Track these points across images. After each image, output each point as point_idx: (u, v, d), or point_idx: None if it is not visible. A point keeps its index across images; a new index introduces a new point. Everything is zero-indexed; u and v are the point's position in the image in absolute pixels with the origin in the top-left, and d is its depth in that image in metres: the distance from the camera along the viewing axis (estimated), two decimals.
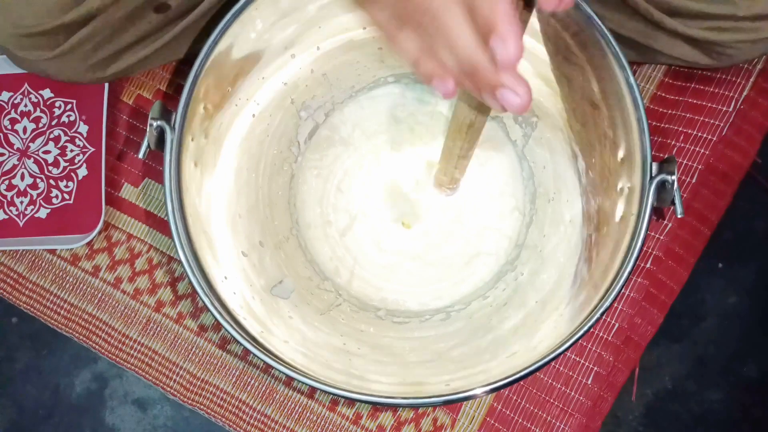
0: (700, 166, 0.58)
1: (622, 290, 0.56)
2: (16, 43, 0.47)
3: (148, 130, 0.36)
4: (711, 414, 0.64)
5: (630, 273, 0.36)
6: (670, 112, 0.60)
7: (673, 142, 0.59)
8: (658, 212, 0.57)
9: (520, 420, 0.58)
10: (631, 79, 0.37)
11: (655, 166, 0.36)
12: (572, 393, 0.57)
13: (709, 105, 0.58)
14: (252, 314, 0.40)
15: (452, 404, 0.58)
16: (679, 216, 0.34)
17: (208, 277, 0.38)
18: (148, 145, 0.36)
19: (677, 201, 0.34)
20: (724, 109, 0.58)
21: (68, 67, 0.49)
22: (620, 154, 0.40)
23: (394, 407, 0.58)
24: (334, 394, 0.35)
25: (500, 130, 0.53)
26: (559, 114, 0.45)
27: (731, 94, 0.58)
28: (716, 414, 0.63)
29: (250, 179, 0.47)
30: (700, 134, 0.58)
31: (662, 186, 0.36)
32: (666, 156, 0.36)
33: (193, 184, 0.40)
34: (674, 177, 0.35)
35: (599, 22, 0.38)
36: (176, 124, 0.37)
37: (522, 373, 0.35)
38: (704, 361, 0.64)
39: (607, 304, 0.36)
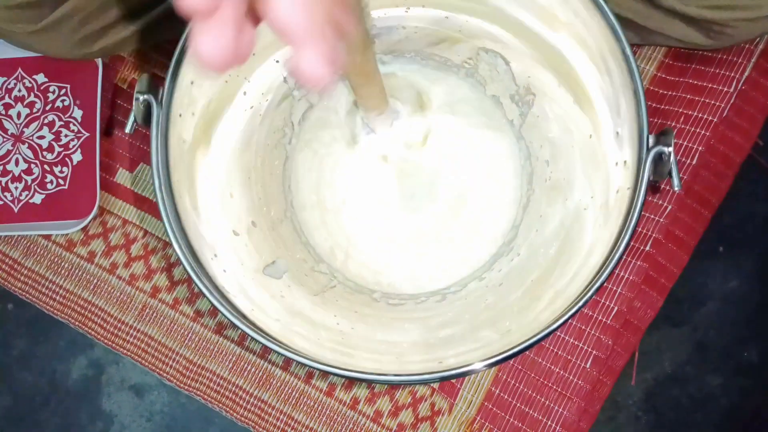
0: (700, 148, 0.57)
1: (621, 273, 0.56)
2: (0, 15, 0.46)
3: (134, 104, 0.35)
4: (711, 399, 0.63)
5: (626, 247, 0.35)
6: (670, 93, 0.59)
7: (673, 124, 0.58)
8: (656, 189, 0.56)
9: (518, 404, 0.57)
10: (627, 50, 0.36)
11: (651, 138, 0.36)
12: (571, 377, 0.57)
13: (710, 86, 0.58)
14: (243, 292, 0.40)
15: (448, 381, 0.57)
16: (675, 189, 0.33)
17: (196, 254, 0.37)
18: (135, 119, 0.35)
19: (674, 173, 0.34)
20: (725, 89, 0.57)
21: (54, 41, 0.49)
22: (617, 127, 0.39)
23: (388, 384, 0.57)
24: (325, 371, 0.35)
25: (497, 110, 0.53)
26: (556, 90, 0.45)
27: (732, 75, 0.57)
28: (716, 399, 0.63)
29: (243, 159, 0.46)
30: (700, 115, 0.57)
31: (659, 158, 0.35)
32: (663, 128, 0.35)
33: (182, 161, 0.39)
34: (671, 149, 0.34)
35: None
36: (163, 100, 0.37)
37: (516, 349, 0.35)
38: (704, 345, 0.64)
39: (600, 281, 0.36)
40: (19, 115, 0.63)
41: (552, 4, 0.40)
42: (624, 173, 0.38)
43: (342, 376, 0.34)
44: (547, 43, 0.43)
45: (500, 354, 0.35)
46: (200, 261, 0.37)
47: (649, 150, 0.35)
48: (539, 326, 0.36)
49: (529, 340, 0.35)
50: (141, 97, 0.35)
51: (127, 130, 0.35)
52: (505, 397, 0.58)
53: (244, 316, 0.37)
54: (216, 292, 0.36)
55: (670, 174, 0.34)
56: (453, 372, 0.35)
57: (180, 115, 0.38)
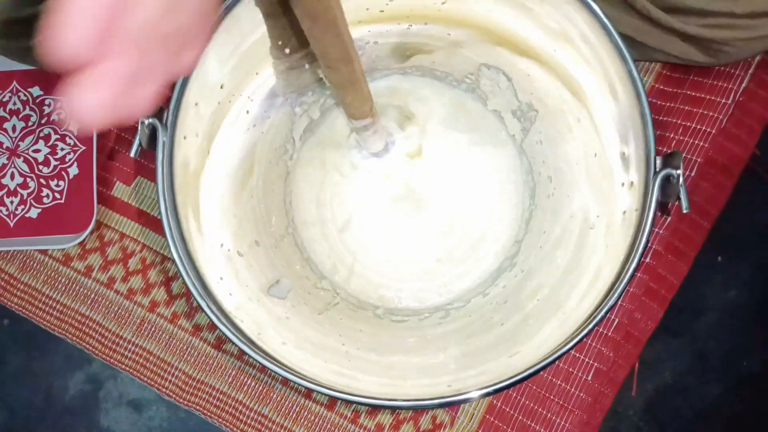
0: (699, 159, 0.57)
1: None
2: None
3: (139, 128, 0.35)
4: (712, 408, 0.63)
5: (635, 269, 0.35)
6: (668, 104, 0.59)
7: (672, 135, 0.58)
8: (664, 209, 0.56)
9: (520, 417, 0.57)
10: (634, 72, 0.36)
11: (659, 160, 0.36)
12: (572, 389, 0.57)
13: (708, 97, 0.58)
14: (249, 316, 0.40)
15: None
16: (684, 211, 0.33)
17: (203, 279, 0.37)
18: (140, 143, 0.35)
19: (683, 196, 0.34)
20: (723, 101, 0.57)
21: None
22: (623, 148, 0.39)
23: (393, 409, 0.57)
24: (334, 397, 0.34)
25: (498, 124, 0.52)
26: (559, 108, 0.45)
27: (730, 86, 0.58)
28: (717, 408, 0.63)
29: (245, 177, 0.46)
30: (699, 127, 0.58)
31: (667, 181, 0.35)
32: (670, 150, 0.35)
33: (187, 183, 0.39)
34: (679, 171, 0.34)
35: (601, 14, 0.38)
36: (168, 122, 0.36)
37: (526, 374, 0.35)
38: (704, 355, 0.64)
39: (612, 301, 0.36)
40: (14, 128, 0.62)
41: (561, 25, 0.40)
42: (631, 194, 0.38)
43: (350, 401, 0.34)
44: (553, 62, 0.43)
45: (509, 378, 0.34)
46: (207, 286, 0.37)
47: (657, 173, 0.35)
48: (549, 348, 0.36)
49: (538, 363, 0.35)
50: (146, 121, 0.35)
51: (132, 154, 0.34)
52: (507, 410, 0.58)
53: (251, 341, 0.36)
54: (224, 318, 0.36)
55: (678, 197, 0.34)
56: (459, 398, 0.34)
57: (185, 138, 0.38)
